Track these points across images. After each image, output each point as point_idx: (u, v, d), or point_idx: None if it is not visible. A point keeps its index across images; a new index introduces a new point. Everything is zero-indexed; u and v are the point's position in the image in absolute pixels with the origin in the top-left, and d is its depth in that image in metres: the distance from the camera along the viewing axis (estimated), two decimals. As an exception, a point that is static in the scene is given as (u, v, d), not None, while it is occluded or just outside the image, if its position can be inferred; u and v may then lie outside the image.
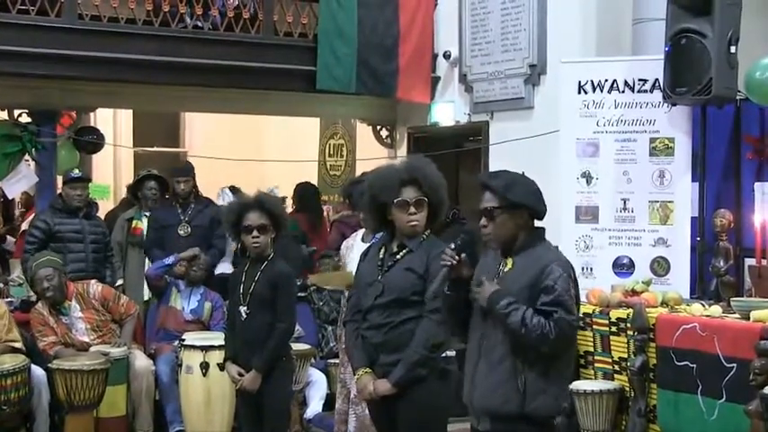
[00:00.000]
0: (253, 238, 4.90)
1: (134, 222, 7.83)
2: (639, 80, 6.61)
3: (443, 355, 4.14)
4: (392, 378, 4.07)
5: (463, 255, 3.65)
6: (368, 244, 4.81)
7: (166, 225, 7.52)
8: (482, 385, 3.60)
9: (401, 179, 4.15)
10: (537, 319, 3.46)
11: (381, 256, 4.23)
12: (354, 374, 4.31)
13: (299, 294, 7.03)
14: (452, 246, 3.67)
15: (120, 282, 7.62)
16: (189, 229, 7.48)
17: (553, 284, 3.49)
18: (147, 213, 7.78)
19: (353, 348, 4.27)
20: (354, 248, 5.41)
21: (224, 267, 7.65)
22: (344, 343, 4.78)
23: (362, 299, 4.23)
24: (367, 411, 4.72)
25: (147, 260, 7.63)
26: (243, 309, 4.91)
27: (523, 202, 3.59)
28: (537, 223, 3.70)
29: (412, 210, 4.13)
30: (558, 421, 3.62)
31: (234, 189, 8.72)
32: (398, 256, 4.16)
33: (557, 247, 3.74)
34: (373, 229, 4.81)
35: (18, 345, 6.16)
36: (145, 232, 7.72)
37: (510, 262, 3.62)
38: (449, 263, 3.64)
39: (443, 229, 4.52)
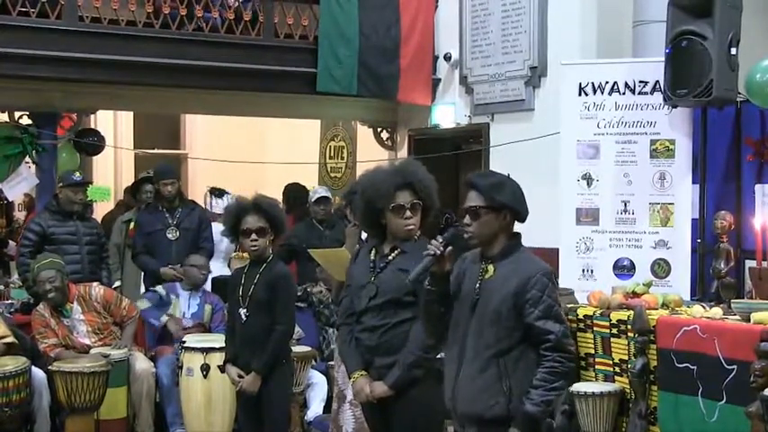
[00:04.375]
0: (251, 241, 4.90)
1: (132, 225, 7.81)
2: (640, 82, 6.60)
3: (438, 356, 4.12)
4: (388, 380, 4.07)
5: (449, 248, 3.63)
6: None
7: (154, 230, 7.38)
8: (466, 391, 3.58)
9: (396, 184, 4.13)
10: (542, 375, 3.47)
11: (372, 258, 4.22)
12: (349, 378, 4.29)
13: (300, 304, 7.04)
14: (440, 238, 3.65)
15: (117, 284, 7.61)
16: (177, 233, 7.35)
17: (541, 295, 3.50)
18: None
19: (347, 351, 4.25)
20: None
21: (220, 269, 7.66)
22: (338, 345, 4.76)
23: (355, 301, 4.21)
24: (366, 413, 4.71)
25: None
26: (242, 311, 4.91)
27: (508, 203, 3.60)
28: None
29: (408, 214, 4.13)
30: (556, 422, 3.60)
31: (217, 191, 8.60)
32: (390, 258, 4.16)
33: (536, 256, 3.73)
34: (371, 234, 4.78)
35: (10, 339, 6.12)
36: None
37: (491, 269, 3.61)
38: (433, 252, 3.61)
39: (439, 234, 4.51)
